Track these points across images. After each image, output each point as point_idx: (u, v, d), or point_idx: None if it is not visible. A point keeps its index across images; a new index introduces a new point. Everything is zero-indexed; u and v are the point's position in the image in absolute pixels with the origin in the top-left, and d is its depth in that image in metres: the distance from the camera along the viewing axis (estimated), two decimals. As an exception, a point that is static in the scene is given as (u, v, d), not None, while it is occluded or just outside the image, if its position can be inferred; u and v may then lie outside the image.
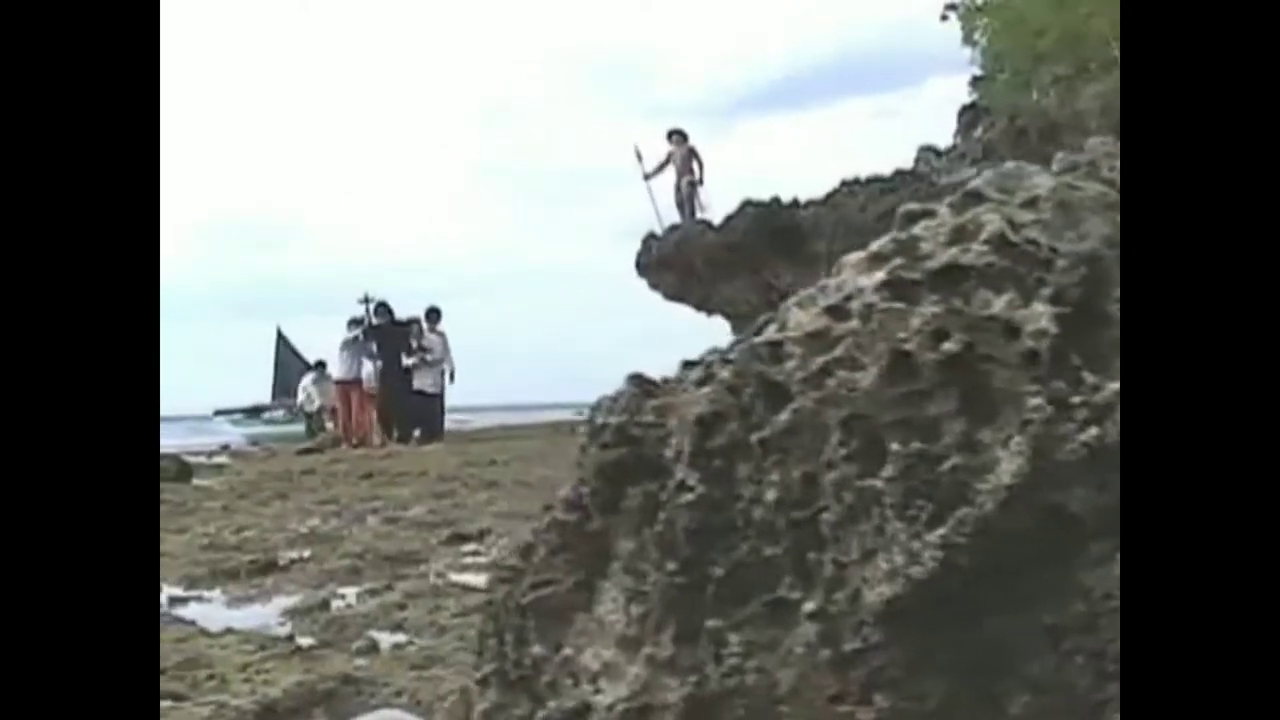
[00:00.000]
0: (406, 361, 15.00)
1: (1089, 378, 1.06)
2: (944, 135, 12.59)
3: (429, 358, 15.05)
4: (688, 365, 1.23)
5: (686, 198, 13.53)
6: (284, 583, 4.34)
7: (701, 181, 13.61)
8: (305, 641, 3.25)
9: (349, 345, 15.51)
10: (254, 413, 25.17)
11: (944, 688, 1.03)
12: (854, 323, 1.14)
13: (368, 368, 15.39)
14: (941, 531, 1.02)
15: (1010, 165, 1.34)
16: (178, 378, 22.43)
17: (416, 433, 14.43)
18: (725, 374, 1.17)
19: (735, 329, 12.22)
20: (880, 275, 1.17)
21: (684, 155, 13.67)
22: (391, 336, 15.23)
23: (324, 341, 19.47)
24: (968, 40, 14.89)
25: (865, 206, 10.64)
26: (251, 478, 9.39)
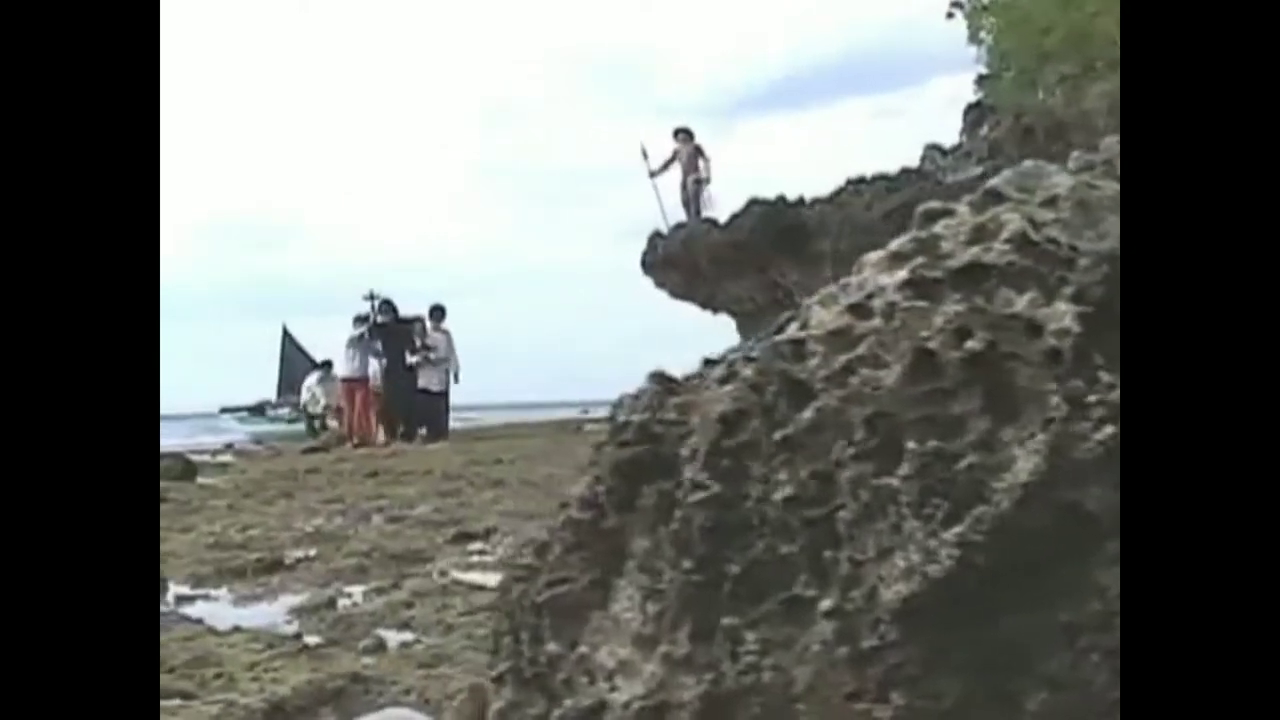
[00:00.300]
0: (411, 360, 15.02)
1: (1105, 377, 1.06)
2: (946, 135, 12.59)
3: (433, 356, 15.07)
4: (709, 363, 1.23)
5: (692, 196, 13.54)
6: (290, 581, 4.34)
7: (708, 180, 13.61)
8: (312, 640, 3.25)
9: (354, 343, 15.51)
10: (259, 410, 25.22)
11: (960, 685, 1.03)
12: (876, 321, 1.14)
13: (373, 366, 15.39)
14: (958, 530, 1.01)
15: (1029, 164, 1.34)
16: (180, 377, 22.50)
17: (422, 431, 14.44)
18: (748, 372, 1.17)
19: (740, 327, 12.23)
20: (902, 274, 1.17)
21: (690, 153, 13.68)
22: (396, 334, 15.25)
23: (325, 341, 19.52)
24: (973, 39, 14.87)
25: (871, 205, 10.64)
26: (256, 476, 9.40)
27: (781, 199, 11.66)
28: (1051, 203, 1.22)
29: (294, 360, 25.90)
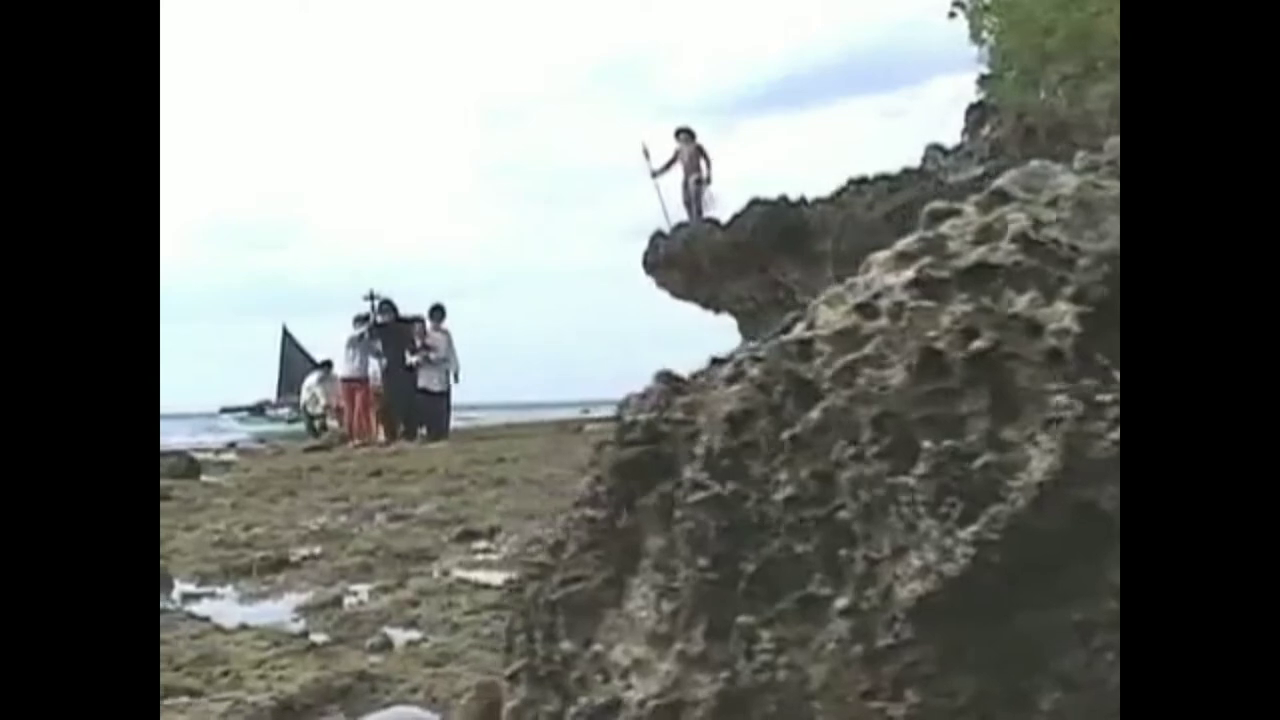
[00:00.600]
0: (410, 359, 15.01)
1: (1118, 376, 1.07)
2: (948, 135, 12.58)
3: (433, 356, 15.06)
4: (716, 362, 1.24)
5: (694, 196, 13.52)
6: (296, 580, 4.35)
7: (709, 180, 13.61)
8: (319, 638, 3.25)
9: (355, 343, 15.51)
10: (259, 410, 25.23)
11: (975, 684, 1.04)
12: (883, 321, 1.15)
13: (374, 366, 15.39)
14: (974, 528, 1.02)
15: (1035, 164, 1.35)
16: (182, 377, 22.51)
17: (422, 431, 14.44)
18: (755, 371, 1.17)
19: (742, 327, 12.22)
20: (909, 274, 1.17)
21: (691, 153, 13.67)
22: (396, 334, 15.24)
23: (325, 341, 19.50)
24: (975, 38, 14.86)
25: (873, 205, 10.63)
26: (260, 475, 9.41)
27: (783, 199, 11.65)
28: (1056, 203, 1.22)
29: (294, 360, 25.90)
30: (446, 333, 15.47)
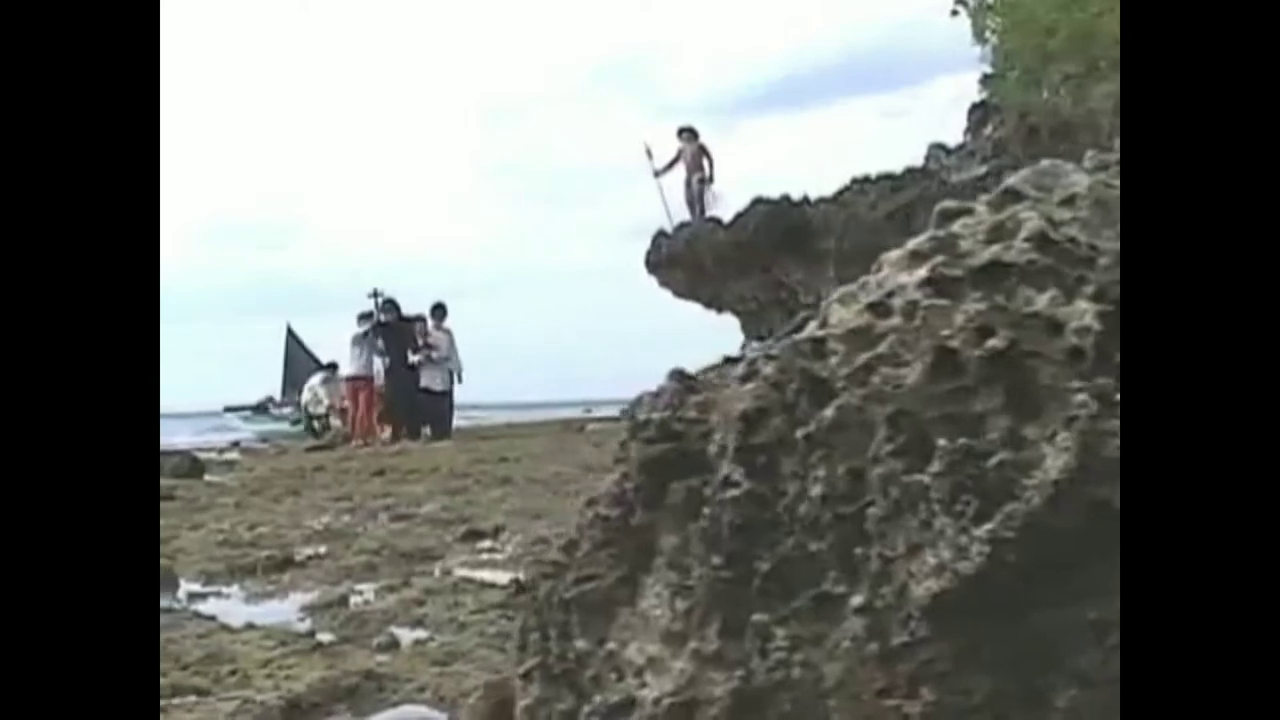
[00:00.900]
0: (412, 359, 15.01)
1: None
2: (949, 135, 12.57)
3: (435, 355, 15.05)
4: (730, 361, 1.24)
5: (697, 195, 13.52)
6: (301, 579, 4.34)
7: (712, 179, 13.61)
8: (326, 637, 3.25)
9: (359, 341, 15.49)
10: (262, 409, 25.24)
11: (990, 682, 1.04)
12: (897, 319, 1.15)
13: (378, 365, 15.38)
14: (989, 527, 1.02)
15: (1046, 163, 1.35)
16: (184, 376, 22.51)
17: (425, 430, 14.44)
18: (769, 370, 1.18)
19: (745, 327, 12.22)
20: (922, 272, 1.17)
21: (694, 153, 13.67)
22: (398, 333, 15.23)
23: (328, 340, 19.50)
24: (977, 38, 14.85)
25: (876, 204, 10.62)
26: (263, 474, 9.41)
27: (786, 198, 11.63)
28: (1070, 201, 1.22)
29: (298, 359, 25.90)
30: (448, 332, 15.47)
